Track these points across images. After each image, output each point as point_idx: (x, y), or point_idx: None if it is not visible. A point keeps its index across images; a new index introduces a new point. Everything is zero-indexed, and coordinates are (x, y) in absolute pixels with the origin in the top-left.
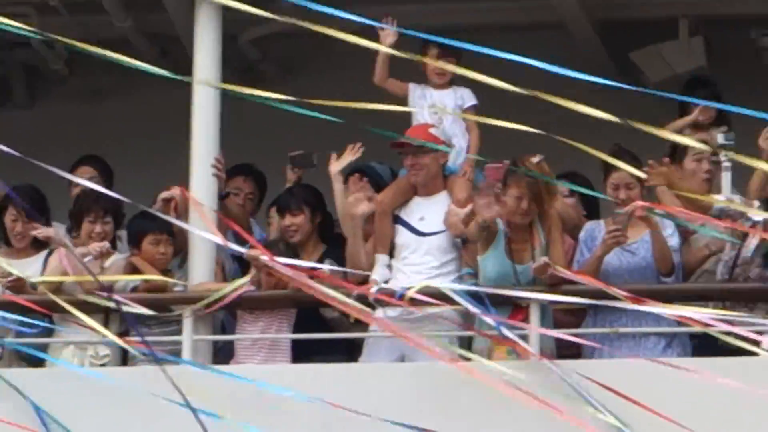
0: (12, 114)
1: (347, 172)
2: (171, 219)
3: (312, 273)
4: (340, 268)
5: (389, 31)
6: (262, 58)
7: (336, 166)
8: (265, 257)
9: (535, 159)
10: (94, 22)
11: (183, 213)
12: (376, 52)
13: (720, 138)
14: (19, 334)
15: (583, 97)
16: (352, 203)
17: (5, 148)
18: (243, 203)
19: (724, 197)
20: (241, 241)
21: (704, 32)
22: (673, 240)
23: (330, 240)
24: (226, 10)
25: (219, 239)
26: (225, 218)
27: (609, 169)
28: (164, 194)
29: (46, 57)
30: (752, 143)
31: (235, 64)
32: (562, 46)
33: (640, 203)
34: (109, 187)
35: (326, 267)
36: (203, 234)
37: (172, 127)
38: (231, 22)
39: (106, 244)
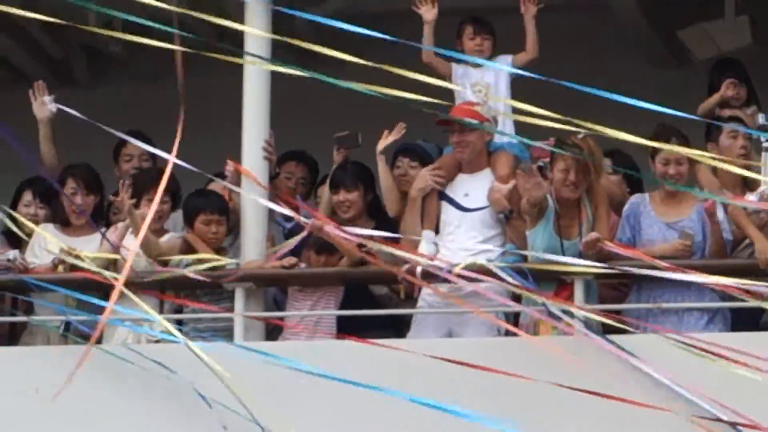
0: (74, 94)
1: (395, 151)
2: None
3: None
4: (393, 234)
5: (430, 7)
6: (317, 39)
7: (380, 145)
8: (328, 226)
9: (580, 134)
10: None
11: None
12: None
13: (761, 119)
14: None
15: (627, 76)
16: (421, 178)
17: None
18: (295, 187)
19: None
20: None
21: (750, 11)
22: (727, 233)
23: (378, 218)
24: None
25: (273, 205)
26: (278, 193)
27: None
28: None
29: (105, 39)
30: None
31: (292, 46)
32: (608, 25)
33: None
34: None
35: (382, 233)
36: (260, 200)
37: (226, 109)
38: (286, 3)
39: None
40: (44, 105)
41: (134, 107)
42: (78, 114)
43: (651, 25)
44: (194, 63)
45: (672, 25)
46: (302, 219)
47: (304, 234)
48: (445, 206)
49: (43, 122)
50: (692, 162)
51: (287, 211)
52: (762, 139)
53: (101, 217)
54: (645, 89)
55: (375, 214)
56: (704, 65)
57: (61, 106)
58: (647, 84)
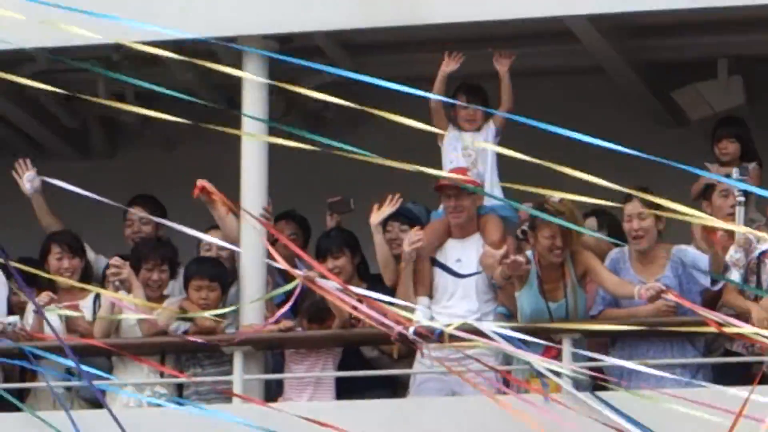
0: (93, 164)
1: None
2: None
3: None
4: (387, 298)
5: (451, 61)
6: (323, 105)
7: (376, 217)
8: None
9: (556, 198)
10: (159, 75)
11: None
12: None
13: (734, 173)
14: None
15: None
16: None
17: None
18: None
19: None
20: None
21: (743, 71)
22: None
23: (369, 280)
24: (275, 61)
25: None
26: (278, 234)
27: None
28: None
29: (118, 110)
30: None
31: (302, 110)
32: (604, 88)
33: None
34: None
35: (378, 296)
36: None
37: (228, 175)
38: (287, 71)
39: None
40: (28, 182)
41: (150, 174)
42: (64, 184)
43: (647, 87)
44: (203, 130)
45: (668, 86)
46: (296, 272)
47: (296, 294)
48: (439, 272)
49: (33, 198)
50: (659, 216)
51: (286, 266)
52: (735, 193)
53: (87, 280)
54: (644, 148)
55: (365, 276)
56: (701, 124)
57: (47, 179)
58: (646, 143)
